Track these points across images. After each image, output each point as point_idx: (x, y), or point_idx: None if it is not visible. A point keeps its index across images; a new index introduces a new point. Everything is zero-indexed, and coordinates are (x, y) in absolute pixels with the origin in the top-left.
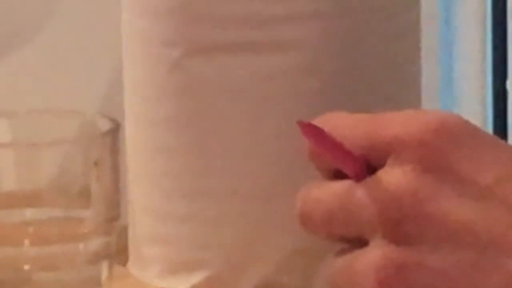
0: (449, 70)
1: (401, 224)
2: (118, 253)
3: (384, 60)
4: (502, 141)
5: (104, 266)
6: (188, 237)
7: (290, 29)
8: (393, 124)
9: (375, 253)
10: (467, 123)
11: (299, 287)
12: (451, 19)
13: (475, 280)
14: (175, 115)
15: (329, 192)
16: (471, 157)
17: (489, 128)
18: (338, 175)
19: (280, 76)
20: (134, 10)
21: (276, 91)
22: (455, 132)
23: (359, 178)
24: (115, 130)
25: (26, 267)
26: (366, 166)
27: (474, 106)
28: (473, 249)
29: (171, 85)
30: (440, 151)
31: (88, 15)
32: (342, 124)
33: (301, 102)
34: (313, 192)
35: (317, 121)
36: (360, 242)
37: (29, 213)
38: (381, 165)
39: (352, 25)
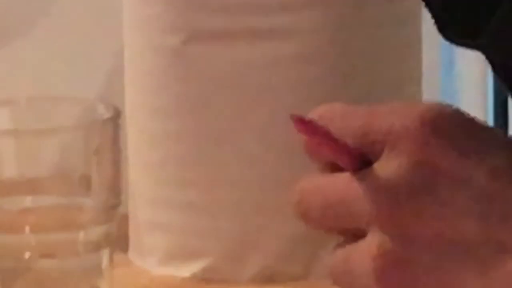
0: (450, 58)
1: (397, 216)
2: (119, 241)
3: (384, 47)
4: (498, 131)
5: (105, 254)
6: (188, 225)
7: (291, 17)
8: (388, 116)
9: (372, 244)
10: (462, 114)
11: (299, 275)
12: None
13: (471, 277)
14: (175, 102)
15: (325, 185)
16: (467, 149)
17: (490, 118)
18: (334, 167)
19: (282, 64)
20: None
21: (277, 79)
22: (451, 123)
23: (354, 170)
24: (116, 118)
25: (27, 254)
26: (362, 158)
27: (475, 95)
28: (468, 242)
29: (171, 73)
30: (436, 142)
31: (90, 2)
32: (337, 116)
33: (302, 89)
34: (310, 185)
35: (312, 114)
36: (357, 234)
37: (29, 201)
38: (377, 157)
39: (352, 13)
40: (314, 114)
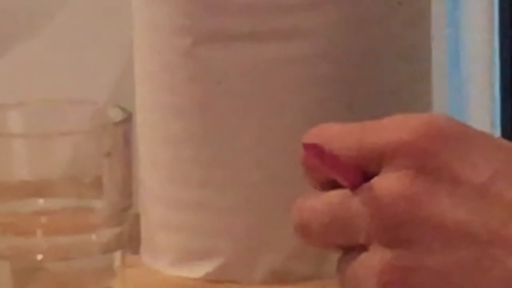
0: (457, 55)
1: (397, 229)
2: (131, 242)
3: (397, 46)
4: (494, 137)
5: (117, 255)
6: (200, 225)
7: (303, 17)
8: (384, 131)
9: (375, 259)
10: (456, 123)
11: (310, 275)
12: (459, 4)
13: (475, 278)
14: (186, 103)
15: (324, 202)
16: (463, 157)
17: (497, 117)
18: (332, 185)
19: (293, 64)
20: None
21: (288, 79)
22: (445, 133)
23: (353, 187)
24: (127, 120)
25: (39, 257)
26: (360, 175)
27: (481, 95)
28: (471, 248)
29: (182, 74)
30: (432, 153)
31: (99, 4)
32: (334, 136)
33: (312, 89)
34: (309, 203)
35: (309, 135)
36: (359, 248)
37: (41, 203)
38: (376, 173)
39: (363, 13)
40: (310, 135)
